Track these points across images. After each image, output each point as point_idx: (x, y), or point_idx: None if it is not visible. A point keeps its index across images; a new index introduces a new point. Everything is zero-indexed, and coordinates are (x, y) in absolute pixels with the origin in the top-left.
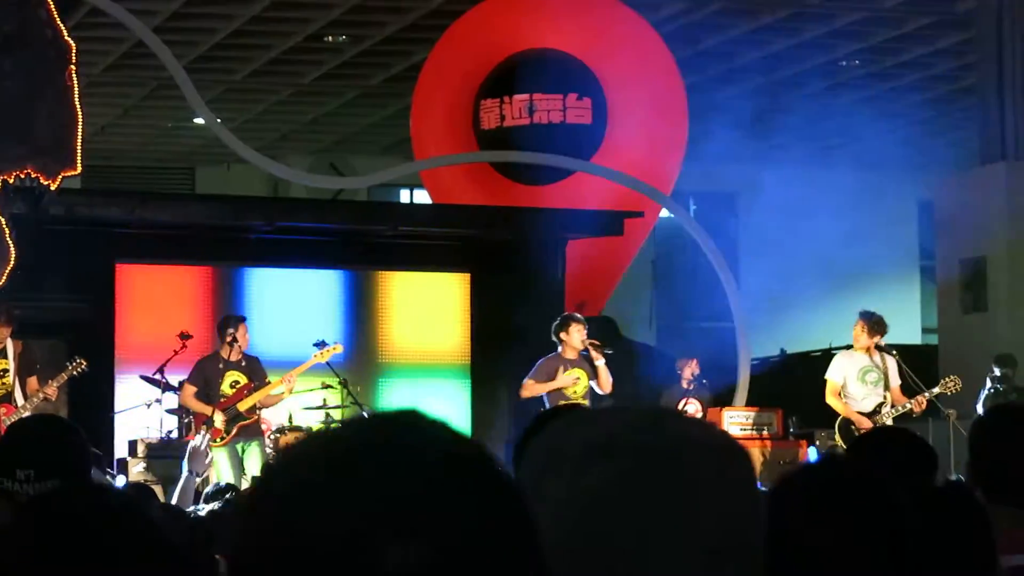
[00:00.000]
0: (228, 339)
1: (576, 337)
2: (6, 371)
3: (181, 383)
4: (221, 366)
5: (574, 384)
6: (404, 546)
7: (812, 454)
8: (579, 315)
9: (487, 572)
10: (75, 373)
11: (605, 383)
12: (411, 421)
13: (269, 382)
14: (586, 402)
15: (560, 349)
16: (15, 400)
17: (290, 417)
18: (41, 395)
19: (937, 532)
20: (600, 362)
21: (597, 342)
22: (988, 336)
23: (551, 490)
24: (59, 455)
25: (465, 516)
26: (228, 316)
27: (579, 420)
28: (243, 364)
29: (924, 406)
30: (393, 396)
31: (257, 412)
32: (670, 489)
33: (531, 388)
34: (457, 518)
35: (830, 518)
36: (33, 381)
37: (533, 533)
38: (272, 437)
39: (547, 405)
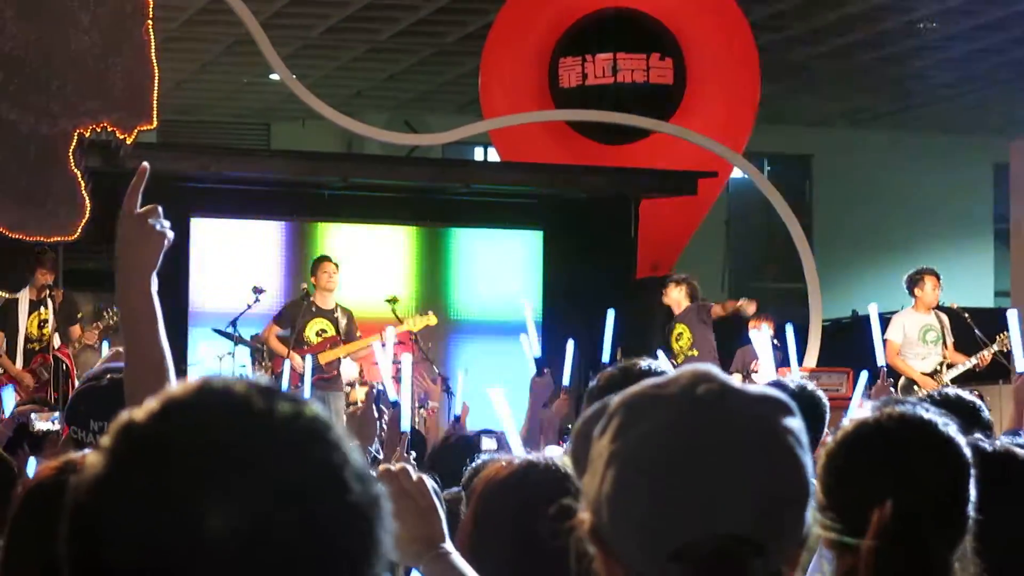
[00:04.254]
0: (313, 280)
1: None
2: (46, 322)
3: (255, 335)
4: (313, 310)
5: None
6: (225, 506)
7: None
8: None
9: (307, 534)
10: (110, 322)
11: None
12: (237, 387)
13: (359, 337)
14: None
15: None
16: (51, 350)
17: (360, 371)
18: (83, 342)
19: (992, 493)
20: None
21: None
22: None
23: (599, 446)
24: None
25: (283, 477)
26: (316, 258)
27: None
28: (335, 315)
29: (987, 362)
30: (464, 352)
31: (338, 368)
32: (719, 436)
33: None
34: (275, 478)
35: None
36: (76, 329)
37: (347, 493)
38: (345, 391)
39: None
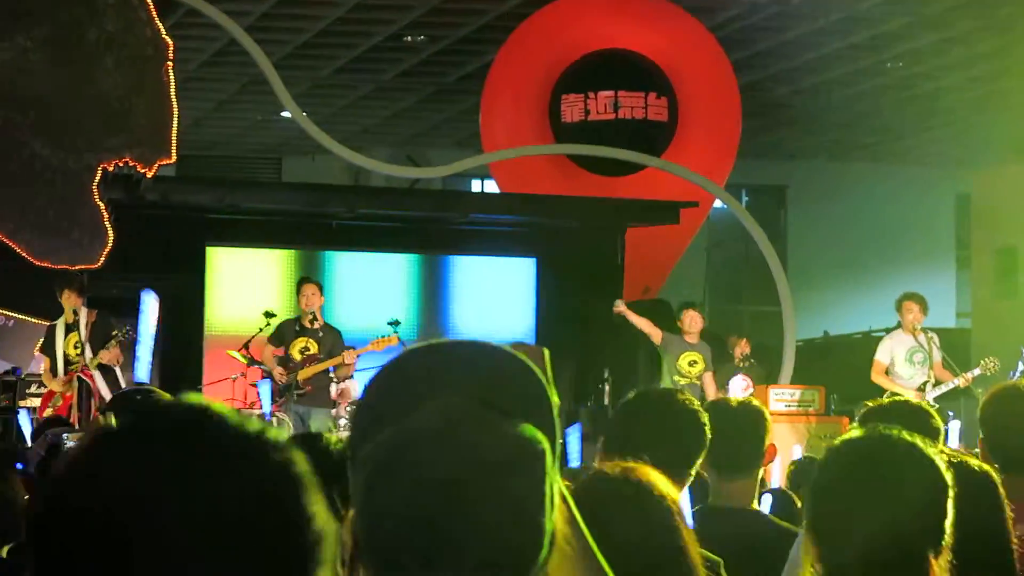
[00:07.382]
0: (298, 302)
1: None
2: (78, 343)
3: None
4: (297, 329)
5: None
6: (182, 504)
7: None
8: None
9: (255, 535)
10: (122, 339)
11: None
12: (216, 406)
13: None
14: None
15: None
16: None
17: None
18: (114, 363)
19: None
20: None
21: None
22: (1019, 320)
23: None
24: None
25: (240, 479)
26: (299, 280)
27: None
28: (320, 333)
29: (971, 381)
30: None
31: (322, 382)
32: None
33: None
34: (233, 479)
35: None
36: (106, 353)
37: (296, 503)
38: (348, 409)
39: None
